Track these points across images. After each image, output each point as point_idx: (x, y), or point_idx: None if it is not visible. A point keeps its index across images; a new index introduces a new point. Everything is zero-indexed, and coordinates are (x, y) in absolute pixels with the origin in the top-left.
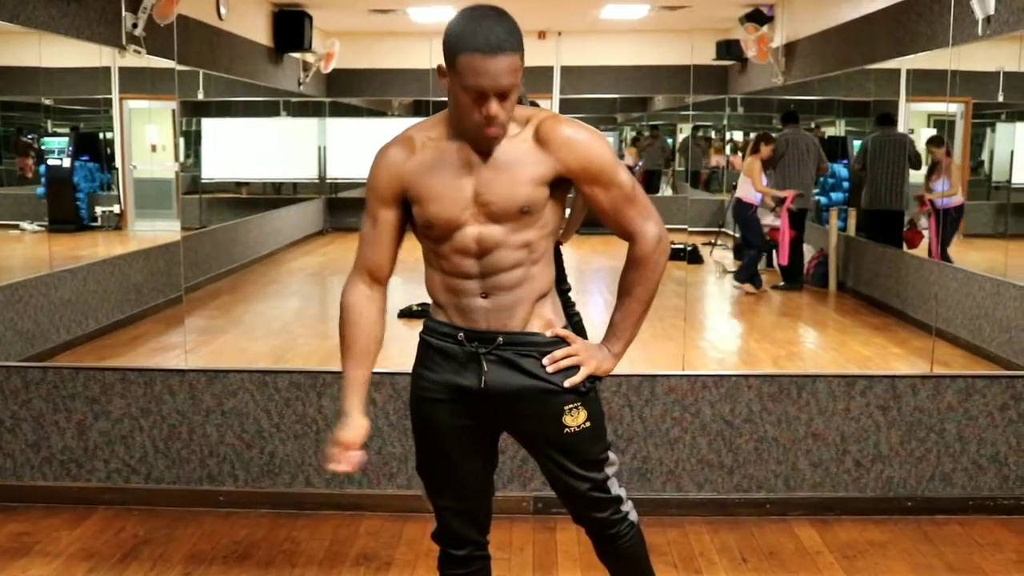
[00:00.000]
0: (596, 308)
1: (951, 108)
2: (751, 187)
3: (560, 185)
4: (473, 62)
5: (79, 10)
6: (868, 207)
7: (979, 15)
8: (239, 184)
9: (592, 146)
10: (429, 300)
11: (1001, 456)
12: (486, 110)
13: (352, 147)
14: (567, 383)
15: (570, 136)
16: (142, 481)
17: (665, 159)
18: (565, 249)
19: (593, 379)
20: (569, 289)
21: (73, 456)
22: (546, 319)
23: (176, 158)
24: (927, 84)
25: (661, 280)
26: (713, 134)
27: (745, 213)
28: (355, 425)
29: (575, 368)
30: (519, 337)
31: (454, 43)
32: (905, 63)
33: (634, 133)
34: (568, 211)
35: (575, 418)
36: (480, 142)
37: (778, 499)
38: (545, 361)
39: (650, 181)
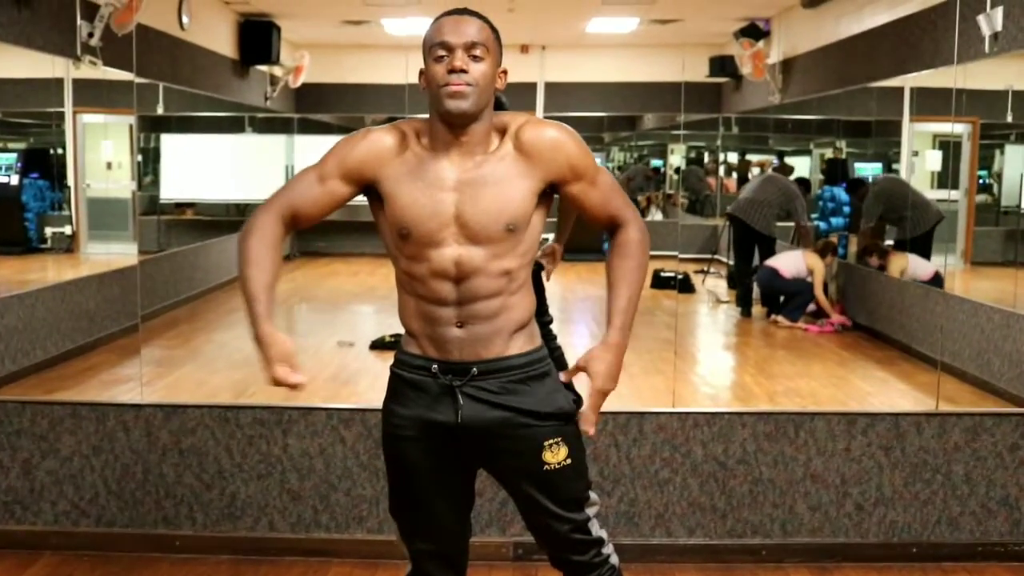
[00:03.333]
0: (580, 339)
1: (956, 128)
2: (797, 268)
3: (545, 196)
4: (439, 24)
5: (31, 18)
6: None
7: (986, 32)
8: (178, 205)
9: (578, 144)
10: (402, 331)
11: (1012, 499)
12: (449, 62)
13: None
14: (591, 431)
15: (556, 137)
16: (93, 524)
17: (655, 182)
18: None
19: (576, 398)
20: (550, 321)
21: (18, 497)
22: (521, 346)
23: (133, 176)
24: (932, 103)
25: None
26: (707, 155)
27: (779, 283)
28: (284, 339)
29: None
30: (494, 364)
31: (428, 32)
32: (909, 81)
33: (622, 155)
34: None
35: (555, 454)
36: (447, 116)
37: (774, 545)
38: (590, 429)
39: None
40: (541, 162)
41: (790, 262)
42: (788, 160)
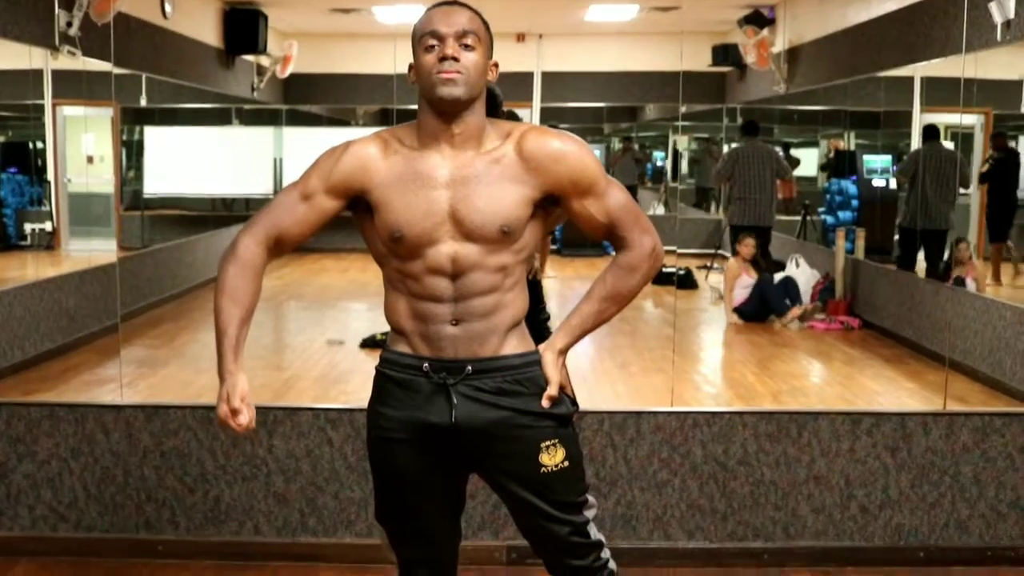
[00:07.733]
0: None
1: (968, 120)
2: (747, 282)
3: (543, 206)
4: (429, 15)
5: (7, 7)
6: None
7: (998, 19)
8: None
9: (583, 157)
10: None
11: (1022, 502)
12: (441, 50)
13: (311, 159)
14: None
15: (558, 149)
16: (71, 529)
17: (649, 173)
18: (548, 271)
19: (575, 404)
20: (548, 318)
21: None
22: (515, 347)
23: (115, 170)
24: (943, 94)
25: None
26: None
27: (761, 302)
28: (242, 379)
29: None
30: (489, 363)
31: (417, 24)
32: (919, 70)
33: (619, 144)
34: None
35: (552, 457)
36: (440, 103)
37: (776, 548)
38: (545, 404)
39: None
40: (540, 172)
41: (742, 287)
42: (794, 152)
